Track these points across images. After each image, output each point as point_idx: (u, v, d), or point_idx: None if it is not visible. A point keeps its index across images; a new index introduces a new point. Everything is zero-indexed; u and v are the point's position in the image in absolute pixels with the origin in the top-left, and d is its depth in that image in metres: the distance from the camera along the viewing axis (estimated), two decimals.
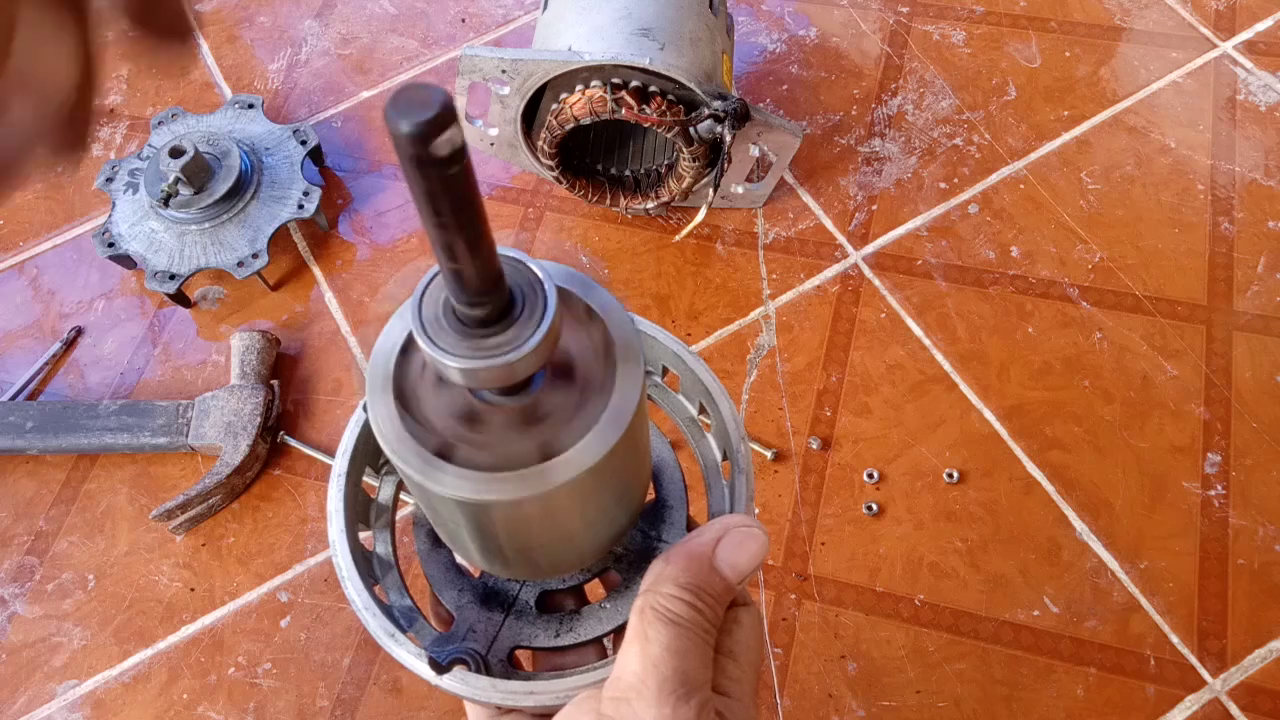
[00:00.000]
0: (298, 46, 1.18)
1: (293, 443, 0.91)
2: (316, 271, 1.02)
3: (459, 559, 0.38)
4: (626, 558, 0.37)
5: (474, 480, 0.27)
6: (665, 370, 0.41)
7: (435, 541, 0.38)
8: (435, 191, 0.21)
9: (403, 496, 0.42)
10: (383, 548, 0.39)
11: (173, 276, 0.96)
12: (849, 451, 0.88)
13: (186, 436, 0.89)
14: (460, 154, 0.21)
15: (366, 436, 0.37)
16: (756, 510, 0.86)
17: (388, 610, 0.35)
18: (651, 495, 0.39)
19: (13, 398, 0.94)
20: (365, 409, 0.37)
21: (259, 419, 0.89)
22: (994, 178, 1.03)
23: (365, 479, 0.39)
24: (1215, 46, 1.10)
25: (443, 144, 0.20)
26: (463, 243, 0.23)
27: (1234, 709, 0.76)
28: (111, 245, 0.98)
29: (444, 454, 0.27)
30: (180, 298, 0.98)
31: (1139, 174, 1.02)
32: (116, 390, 0.96)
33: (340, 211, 1.06)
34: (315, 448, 0.91)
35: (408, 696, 0.80)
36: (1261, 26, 1.11)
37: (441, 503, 0.28)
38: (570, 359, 0.29)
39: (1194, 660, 0.78)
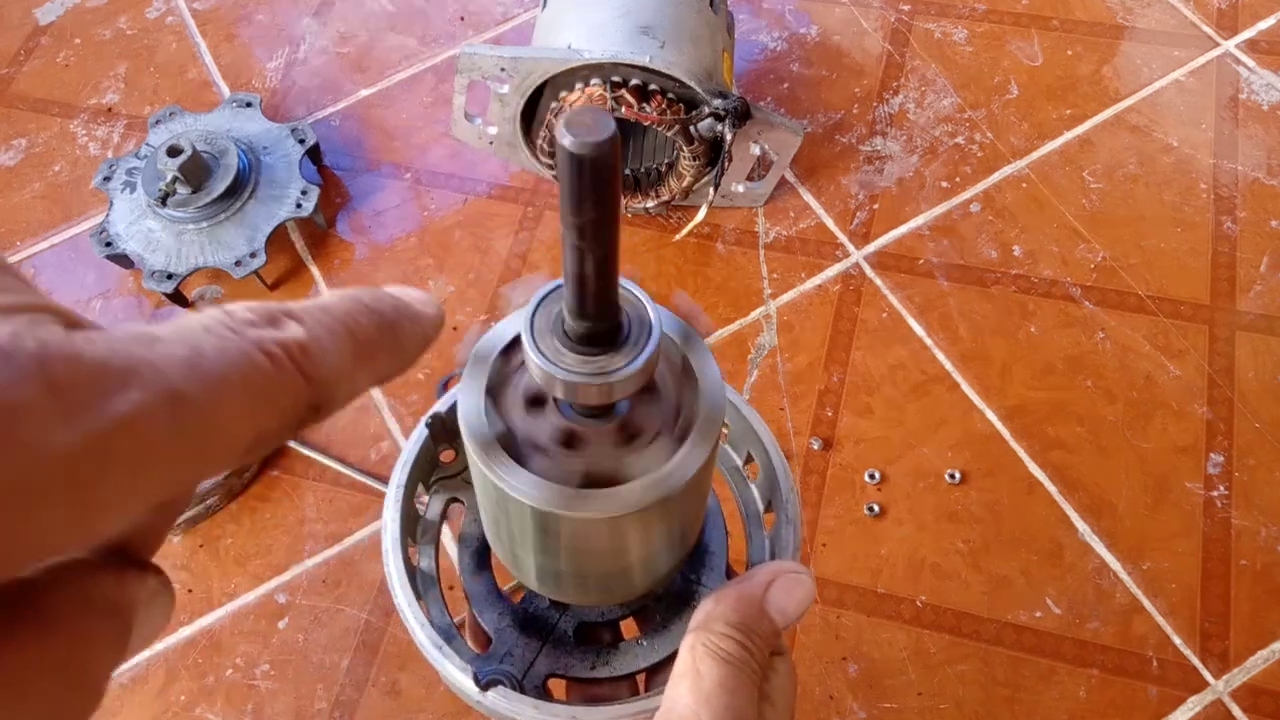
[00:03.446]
0: (296, 45, 1.18)
1: (291, 443, 0.91)
2: (314, 271, 1.02)
3: (501, 586, 0.39)
4: (665, 598, 0.38)
5: (553, 491, 0.28)
6: None
7: (480, 563, 0.39)
8: (584, 204, 0.23)
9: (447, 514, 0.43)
10: (426, 563, 0.40)
11: (170, 276, 0.95)
12: (850, 452, 0.88)
13: None
14: (615, 174, 0.22)
15: (426, 451, 0.39)
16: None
17: (430, 625, 0.36)
18: (699, 534, 0.40)
19: None
20: (429, 427, 0.38)
21: None
22: (996, 176, 1.02)
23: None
24: (1218, 45, 1.09)
25: (604, 165, 0.22)
26: (594, 262, 0.24)
27: (1236, 710, 0.76)
28: (109, 245, 0.97)
29: (526, 462, 0.29)
30: (178, 297, 0.97)
31: (1141, 173, 1.02)
32: None
33: (338, 210, 1.05)
34: (314, 448, 0.91)
35: (406, 699, 0.80)
36: (1264, 25, 1.11)
37: (515, 509, 0.29)
38: (657, 390, 0.30)
39: (1196, 661, 0.78)
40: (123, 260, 0.99)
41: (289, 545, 0.87)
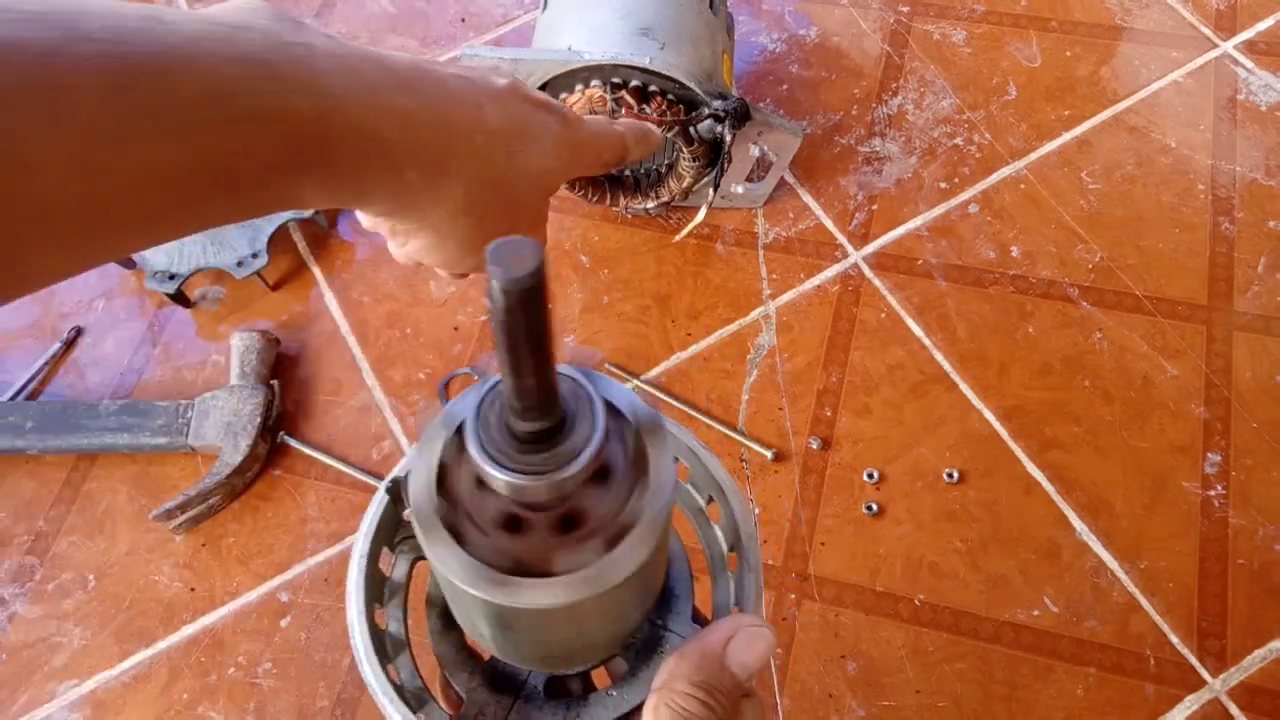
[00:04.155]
0: None
1: (293, 443, 0.91)
2: (316, 271, 1.02)
3: (470, 640, 0.39)
4: (634, 646, 0.38)
5: (506, 585, 0.28)
6: (676, 460, 0.42)
7: (447, 623, 0.39)
8: (516, 330, 0.24)
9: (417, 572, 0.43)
10: (395, 625, 0.40)
11: (172, 276, 0.96)
12: (849, 451, 0.88)
13: (186, 436, 0.89)
14: (543, 301, 0.23)
15: (387, 516, 0.39)
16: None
17: (400, 691, 0.36)
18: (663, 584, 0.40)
19: (13, 398, 0.94)
20: (389, 493, 0.38)
21: (259, 419, 0.89)
22: (994, 177, 1.03)
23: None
24: (1216, 46, 1.10)
25: (532, 293, 0.23)
26: (531, 374, 0.25)
27: (1234, 709, 0.76)
28: None
29: (465, 541, 0.29)
30: (180, 298, 0.98)
31: (1139, 174, 1.02)
32: (116, 390, 0.96)
33: (340, 211, 1.06)
34: (315, 448, 0.91)
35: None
36: (1262, 26, 1.11)
37: (471, 601, 0.30)
38: (607, 463, 0.30)
39: (1194, 660, 0.78)
40: (125, 260, 1.00)
41: (291, 544, 0.87)
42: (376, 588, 0.39)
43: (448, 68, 0.35)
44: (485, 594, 0.28)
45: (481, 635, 0.34)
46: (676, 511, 0.37)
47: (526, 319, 0.23)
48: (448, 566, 0.28)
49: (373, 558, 0.38)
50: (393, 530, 0.40)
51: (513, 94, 0.36)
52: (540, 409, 0.26)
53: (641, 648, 0.38)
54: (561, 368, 0.28)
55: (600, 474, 0.30)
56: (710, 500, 0.42)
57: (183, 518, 0.87)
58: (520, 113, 0.36)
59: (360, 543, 0.38)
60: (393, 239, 0.37)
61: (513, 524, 0.29)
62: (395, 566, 0.41)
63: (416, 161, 0.32)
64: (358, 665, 0.36)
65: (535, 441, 0.27)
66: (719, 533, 0.42)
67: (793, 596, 0.82)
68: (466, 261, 0.38)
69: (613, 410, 0.31)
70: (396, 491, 0.38)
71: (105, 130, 0.24)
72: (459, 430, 0.30)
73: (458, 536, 0.29)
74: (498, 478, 0.27)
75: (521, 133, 0.36)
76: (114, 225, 0.26)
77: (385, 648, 0.38)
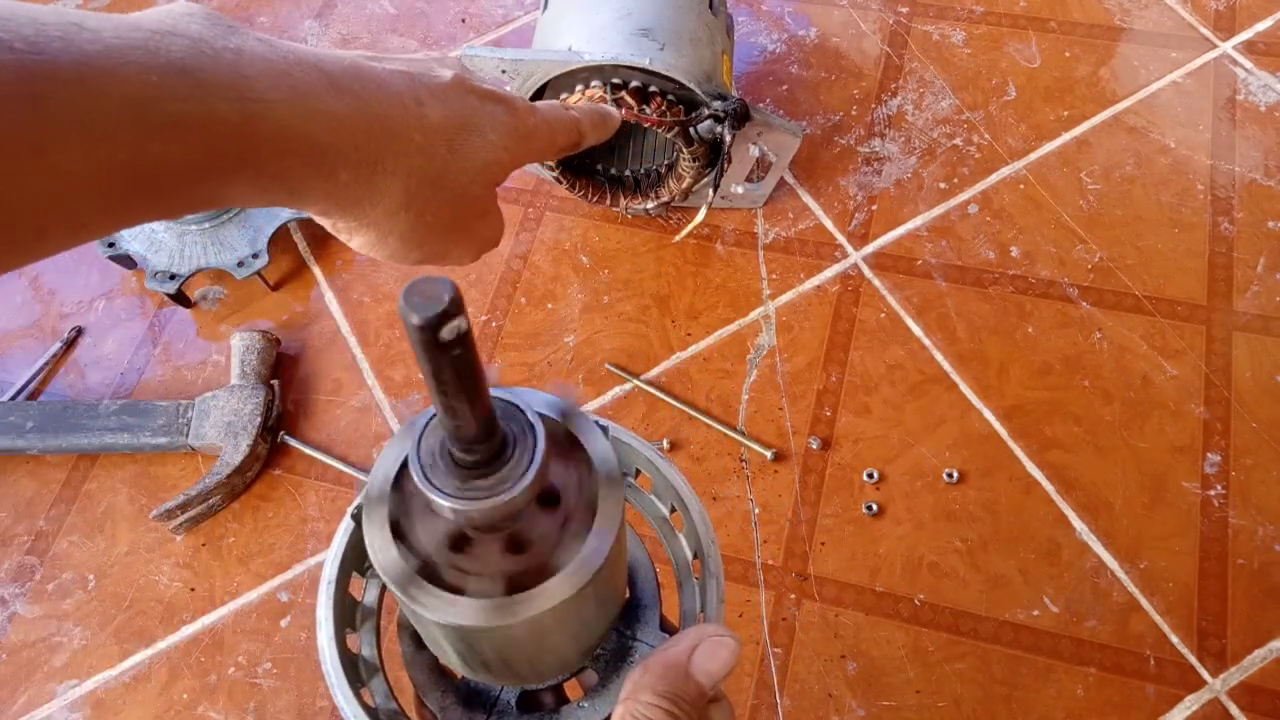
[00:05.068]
0: None
1: (293, 443, 0.91)
2: (316, 271, 1.02)
3: (442, 661, 0.39)
4: (603, 656, 0.38)
5: (461, 606, 0.29)
6: (638, 472, 0.43)
7: (419, 645, 0.39)
8: (441, 368, 0.24)
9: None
10: (368, 650, 0.40)
11: (173, 276, 0.96)
12: (849, 451, 0.88)
13: (187, 436, 0.89)
14: (464, 338, 0.24)
15: (355, 543, 0.39)
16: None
17: (375, 714, 0.37)
18: (626, 595, 0.40)
19: (13, 398, 0.94)
20: (355, 519, 0.38)
21: (259, 419, 0.89)
22: (994, 178, 1.03)
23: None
24: (1215, 46, 1.10)
25: (449, 331, 0.23)
26: (463, 406, 0.25)
27: (1234, 709, 0.76)
28: (112, 245, 0.98)
29: (432, 578, 0.29)
30: (180, 298, 0.98)
31: (1139, 174, 1.02)
32: (117, 390, 0.96)
33: None
34: (315, 447, 0.91)
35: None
36: (1261, 26, 1.11)
37: (428, 622, 0.30)
38: (554, 488, 0.31)
39: (1194, 660, 0.78)
40: (125, 261, 1.00)
41: (291, 544, 0.87)
42: (348, 613, 0.39)
43: (390, 64, 0.35)
44: (403, 596, 0.28)
45: (443, 652, 0.34)
46: (643, 521, 0.38)
47: (449, 356, 0.24)
48: (377, 560, 0.29)
49: (341, 584, 0.39)
50: (362, 555, 0.40)
51: (456, 88, 0.36)
52: (473, 440, 0.26)
53: (611, 659, 0.38)
54: (500, 391, 0.29)
55: (549, 498, 0.30)
56: (674, 509, 0.42)
57: (183, 518, 0.87)
58: (464, 106, 0.36)
59: (329, 568, 0.38)
60: (337, 234, 0.37)
61: (458, 541, 0.30)
62: (366, 591, 0.41)
63: (349, 163, 0.32)
64: (329, 689, 0.37)
65: (472, 468, 0.27)
66: (683, 540, 0.42)
67: (793, 596, 0.82)
68: (411, 255, 0.38)
69: (569, 438, 0.31)
70: (362, 518, 0.39)
71: (22, 140, 0.24)
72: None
73: (407, 541, 0.29)
74: (434, 500, 0.27)
75: (465, 126, 0.36)
76: (31, 231, 0.26)
77: (359, 672, 0.39)
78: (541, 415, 0.29)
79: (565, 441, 0.32)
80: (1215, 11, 1.13)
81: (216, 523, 0.89)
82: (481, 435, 0.26)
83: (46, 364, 0.97)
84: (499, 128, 0.37)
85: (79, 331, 1.00)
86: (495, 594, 0.29)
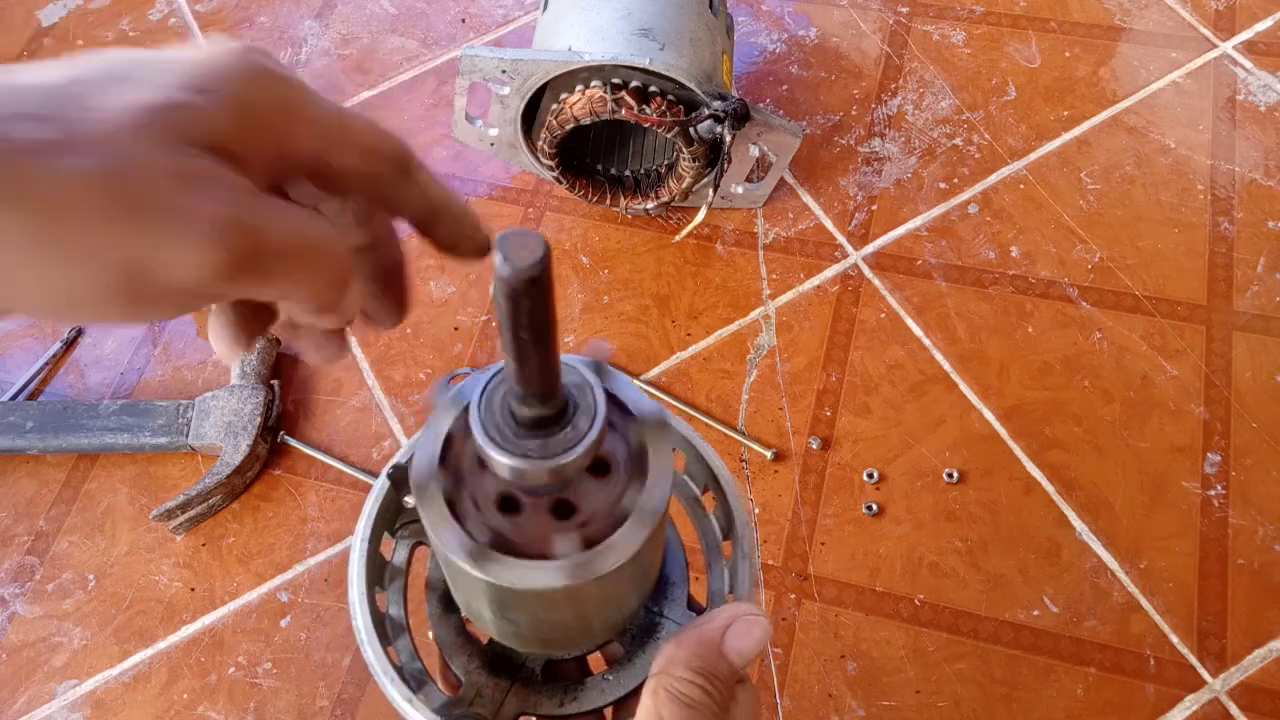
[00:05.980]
0: (298, 47, 1.18)
1: (293, 443, 0.91)
2: None
3: (469, 624, 0.39)
4: (631, 632, 0.38)
5: (507, 566, 0.29)
6: (674, 451, 0.43)
7: (447, 607, 0.39)
8: (520, 319, 0.24)
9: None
10: (395, 609, 0.40)
11: None
12: (849, 451, 0.88)
13: (187, 436, 0.89)
14: (547, 292, 0.24)
15: (388, 501, 0.39)
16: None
17: (400, 672, 0.37)
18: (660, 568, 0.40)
19: (13, 398, 0.94)
20: (390, 479, 0.39)
21: (259, 419, 0.89)
22: (994, 178, 1.03)
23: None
24: (1215, 46, 1.10)
25: (537, 283, 0.24)
26: (533, 359, 0.26)
27: (1234, 709, 0.76)
28: None
29: (464, 519, 0.29)
30: None
31: (1139, 174, 1.02)
32: (117, 390, 0.96)
33: None
34: (315, 448, 0.91)
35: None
36: (1261, 26, 1.11)
37: (468, 580, 0.30)
38: (606, 456, 0.31)
39: (1194, 660, 0.78)
40: None
41: (291, 544, 0.87)
42: (377, 572, 0.40)
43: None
44: (473, 569, 0.29)
45: (480, 617, 0.34)
46: (674, 501, 0.38)
47: (530, 308, 0.24)
48: (441, 537, 0.29)
49: (374, 541, 0.39)
50: (394, 516, 0.40)
51: None
52: (541, 396, 0.27)
53: (638, 634, 0.38)
54: (570, 358, 0.29)
55: (599, 465, 0.30)
56: (706, 490, 0.42)
57: (183, 517, 0.87)
58: None
59: (362, 526, 0.39)
60: None
61: (509, 505, 0.30)
62: (395, 552, 0.41)
63: None
64: (359, 645, 0.37)
65: (535, 427, 0.27)
66: (714, 522, 0.42)
67: (793, 596, 0.82)
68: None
69: (616, 403, 0.31)
70: (398, 477, 0.39)
71: None
72: (466, 409, 0.31)
73: (455, 510, 0.29)
74: (497, 459, 0.27)
75: None
76: None
77: (385, 630, 0.39)
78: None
79: (617, 406, 0.32)
80: (1215, 11, 1.13)
81: (216, 523, 0.89)
82: (546, 394, 0.27)
83: (46, 364, 0.98)
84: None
85: (79, 331, 1.00)
86: (570, 553, 0.29)
